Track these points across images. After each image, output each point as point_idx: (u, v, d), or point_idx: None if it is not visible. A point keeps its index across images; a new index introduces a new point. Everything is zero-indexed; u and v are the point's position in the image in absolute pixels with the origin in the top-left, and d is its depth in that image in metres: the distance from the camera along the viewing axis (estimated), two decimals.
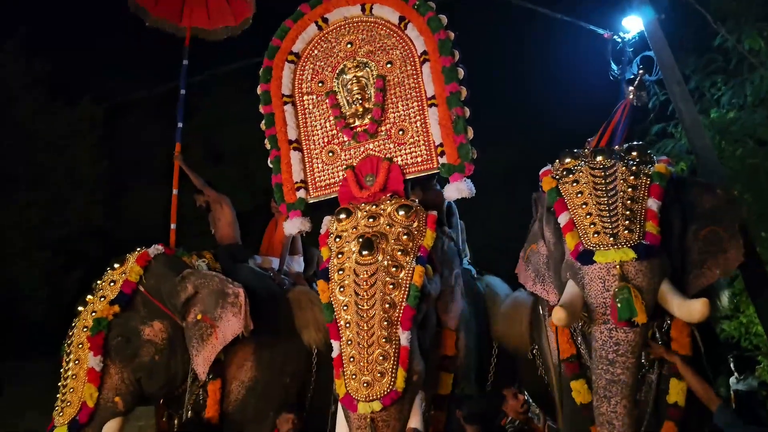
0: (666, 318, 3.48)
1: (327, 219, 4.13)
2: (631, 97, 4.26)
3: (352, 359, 3.48)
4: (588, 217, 3.35)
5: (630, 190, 3.35)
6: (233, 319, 4.18)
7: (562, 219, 3.46)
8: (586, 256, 3.26)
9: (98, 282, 4.53)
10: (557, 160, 3.77)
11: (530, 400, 4.55)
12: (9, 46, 11.42)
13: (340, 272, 3.72)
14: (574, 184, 3.50)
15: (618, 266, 3.15)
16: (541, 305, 4.08)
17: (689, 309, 3.10)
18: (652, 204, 3.31)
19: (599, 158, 3.55)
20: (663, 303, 3.21)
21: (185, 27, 5.90)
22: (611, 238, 3.23)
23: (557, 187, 3.57)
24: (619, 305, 3.09)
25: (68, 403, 4.11)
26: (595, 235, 3.27)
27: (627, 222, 3.25)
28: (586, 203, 3.39)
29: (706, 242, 3.45)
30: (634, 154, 3.56)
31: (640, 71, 4.84)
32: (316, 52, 4.65)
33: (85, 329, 4.25)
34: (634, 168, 3.44)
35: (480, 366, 4.50)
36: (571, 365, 3.73)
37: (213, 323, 4.18)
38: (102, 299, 4.34)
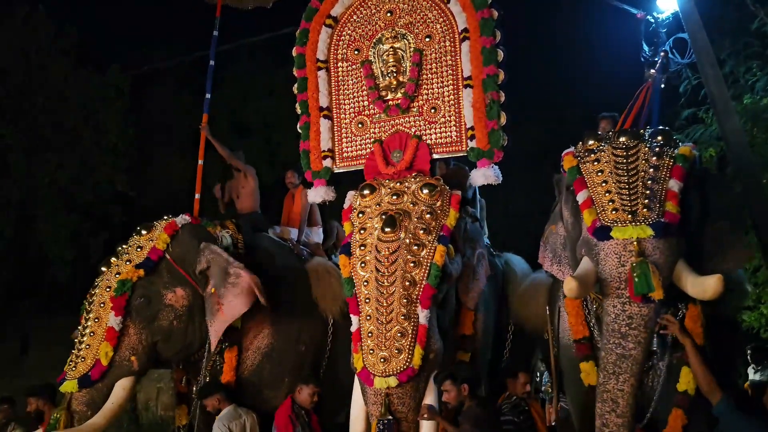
0: (681, 307, 3.47)
1: (350, 194, 4.13)
2: (650, 80, 4.17)
3: (370, 334, 3.52)
4: (607, 194, 3.33)
5: (651, 170, 3.33)
6: (234, 300, 4.22)
7: (581, 196, 3.44)
8: (602, 232, 3.26)
9: (123, 246, 4.61)
10: (580, 142, 3.73)
11: (546, 380, 4.55)
12: (39, 14, 11.54)
13: (362, 248, 3.74)
14: (595, 163, 3.47)
15: (635, 242, 3.15)
16: (558, 286, 4.08)
17: (703, 285, 3.09)
18: (674, 185, 3.29)
19: (622, 138, 3.52)
20: (677, 281, 3.20)
21: None
22: (629, 215, 3.22)
23: (578, 165, 3.55)
24: (636, 279, 3.10)
25: (82, 359, 4.22)
26: (614, 212, 3.27)
27: (646, 201, 3.23)
28: (606, 181, 3.38)
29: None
30: (660, 138, 3.52)
31: (662, 53, 4.72)
32: (354, 17, 4.56)
33: (108, 289, 4.34)
34: (657, 149, 3.41)
35: (496, 344, 4.52)
36: (582, 346, 3.73)
37: (219, 300, 4.26)
38: (128, 263, 4.43)
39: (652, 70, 4.29)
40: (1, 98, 11.23)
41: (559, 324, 3.97)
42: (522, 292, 4.54)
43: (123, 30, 12.93)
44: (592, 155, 3.53)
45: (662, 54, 4.72)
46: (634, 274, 3.11)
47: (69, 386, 4.17)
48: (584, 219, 3.39)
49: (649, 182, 3.29)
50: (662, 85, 5.52)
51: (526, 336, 4.58)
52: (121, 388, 4.25)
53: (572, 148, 3.75)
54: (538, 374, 6.93)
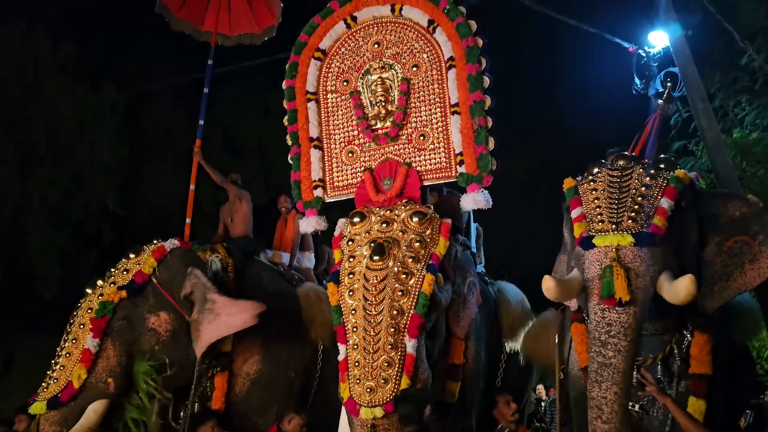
0: (686, 334, 3.45)
1: (341, 221, 4.14)
2: (658, 111, 4.20)
3: (357, 364, 3.49)
4: (597, 209, 3.35)
5: (643, 188, 3.34)
6: (208, 326, 4.19)
7: (575, 213, 3.47)
8: (587, 241, 3.27)
9: (112, 269, 4.58)
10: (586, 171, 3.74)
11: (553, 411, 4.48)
12: (38, 29, 11.60)
13: (351, 276, 3.74)
14: (591, 183, 3.51)
15: (614, 250, 3.15)
16: (567, 317, 4.07)
17: (676, 288, 3.04)
18: (664, 202, 3.28)
19: (620, 162, 3.55)
20: (659, 291, 3.16)
21: (208, 31, 5.96)
22: (613, 225, 3.24)
23: (575, 187, 3.58)
24: (602, 282, 3.10)
25: (55, 380, 4.16)
26: (600, 223, 3.28)
27: (633, 213, 3.24)
28: (598, 198, 3.40)
29: (732, 253, 3.39)
30: (661, 165, 3.52)
31: (668, 84, 4.77)
32: (342, 50, 4.65)
33: (89, 311, 4.30)
34: (652, 171, 3.42)
35: (489, 372, 4.49)
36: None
37: (198, 326, 4.22)
38: (112, 285, 4.40)
39: (660, 101, 4.31)
40: None
41: (569, 355, 3.94)
42: (532, 330, 4.53)
43: (120, 48, 12.98)
44: (590, 177, 3.57)
45: (668, 86, 4.76)
46: (601, 278, 3.11)
47: (37, 408, 4.11)
48: (574, 232, 3.41)
49: (639, 198, 3.30)
50: (674, 115, 5.55)
51: (520, 365, 4.56)
52: (92, 410, 4.16)
53: (579, 177, 3.74)
54: (543, 404, 6.90)
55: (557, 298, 3.45)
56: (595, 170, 3.60)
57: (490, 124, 4.14)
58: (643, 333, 3.30)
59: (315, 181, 4.51)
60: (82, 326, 4.27)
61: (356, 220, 4.01)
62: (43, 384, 4.20)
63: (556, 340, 4.00)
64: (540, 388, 7.26)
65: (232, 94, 13.99)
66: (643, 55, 6.84)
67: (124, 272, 4.48)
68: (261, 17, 6.05)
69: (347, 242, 3.94)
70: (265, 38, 6.17)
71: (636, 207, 3.26)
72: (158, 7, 5.78)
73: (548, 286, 3.22)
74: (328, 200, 4.53)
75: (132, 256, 4.57)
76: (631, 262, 3.12)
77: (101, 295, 4.35)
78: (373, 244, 3.75)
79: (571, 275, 3.38)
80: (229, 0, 6.01)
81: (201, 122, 5.55)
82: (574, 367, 3.88)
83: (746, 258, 3.35)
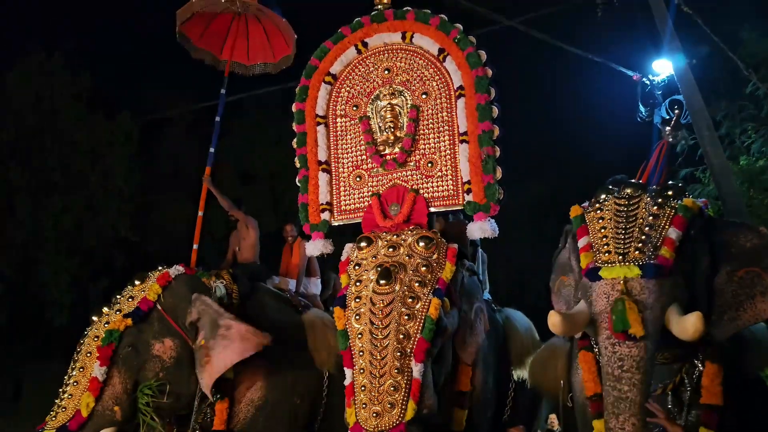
0: (697, 364, 3.39)
1: (348, 246, 4.17)
2: (670, 139, 4.20)
3: (363, 388, 3.48)
4: (604, 239, 3.33)
5: (651, 218, 3.30)
6: (223, 351, 4.19)
7: (582, 242, 3.44)
8: (593, 273, 3.24)
9: (118, 296, 4.60)
10: (593, 197, 3.70)
11: None
12: (56, 59, 11.91)
13: (357, 300, 3.75)
14: (598, 212, 3.49)
15: (622, 282, 3.12)
16: (575, 344, 4.05)
17: (684, 324, 3.00)
18: (672, 233, 3.23)
19: (628, 190, 3.51)
20: (668, 325, 3.11)
21: (225, 59, 6.09)
22: (620, 256, 3.21)
23: (582, 215, 3.56)
24: (614, 316, 3.06)
25: (63, 409, 4.16)
26: (606, 254, 3.25)
27: (640, 244, 3.21)
28: (605, 227, 3.38)
29: (743, 284, 3.33)
30: (669, 192, 3.47)
31: (676, 111, 4.79)
32: (353, 75, 4.70)
33: (96, 339, 4.32)
34: (660, 200, 3.39)
35: (498, 401, 4.45)
36: (595, 404, 3.64)
37: (208, 352, 4.24)
38: (117, 313, 4.42)
39: (668, 128, 4.32)
40: (13, 140, 11.45)
41: (576, 382, 3.89)
42: (539, 357, 4.49)
43: (135, 77, 13.27)
44: (597, 205, 3.55)
45: (676, 113, 4.77)
46: (613, 311, 3.08)
47: None
48: (581, 262, 3.40)
49: (647, 228, 3.26)
50: (683, 142, 5.55)
51: (528, 393, 4.52)
52: None
53: (586, 203, 3.72)
54: None
55: (564, 333, 3.43)
56: (603, 197, 3.58)
57: (498, 153, 4.16)
58: None
59: (322, 204, 4.55)
60: (89, 354, 4.29)
61: (363, 244, 4.03)
62: (52, 413, 4.21)
63: (565, 374, 3.95)
64: (552, 417, 7.15)
65: (244, 122, 14.21)
66: (648, 83, 6.93)
67: (129, 299, 4.50)
68: (278, 47, 6.15)
69: (354, 267, 3.95)
70: (282, 68, 6.26)
71: (643, 237, 3.23)
72: (179, 36, 5.91)
73: (554, 321, 3.17)
74: (334, 224, 4.55)
75: (137, 283, 4.59)
76: (639, 294, 3.09)
77: (107, 323, 4.37)
78: (379, 269, 3.76)
79: (577, 308, 3.35)
80: (247, 30, 6.12)
81: (212, 150, 5.63)
82: (581, 395, 3.85)
83: (757, 290, 3.30)
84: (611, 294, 3.14)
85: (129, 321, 4.35)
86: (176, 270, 4.68)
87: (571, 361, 4.00)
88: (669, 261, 3.15)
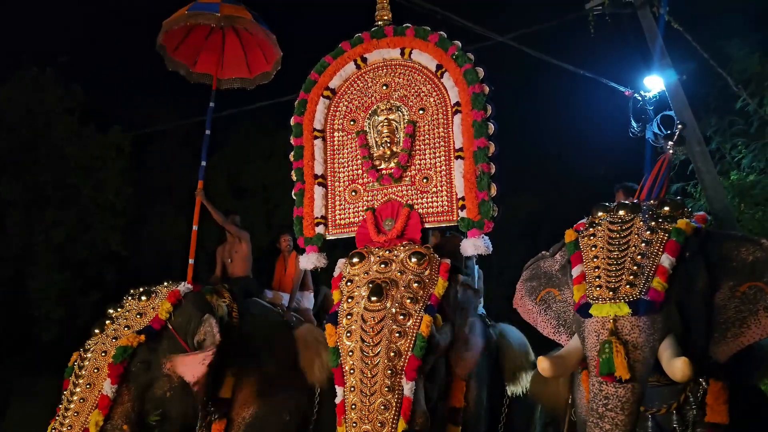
0: (701, 382, 3.33)
1: (341, 262, 4.15)
2: (671, 152, 4.18)
3: (353, 407, 3.44)
4: (596, 270, 3.27)
5: (643, 245, 3.24)
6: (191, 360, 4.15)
7: (575, 271, 3.41)
8: (584, 309, 3.20)
9: (118, 309, 4.49)
10: (591, 214, 3.65)
11: None
12: (48, 74, 11.90)
13: (349, 317, 3.72)
14: (591, 238, 3.43)
15: (612, 321, 3.07)
16: None
17: (672, 369, 2.94)
18: (665, 260, 3.17)
19: (621, 212, 3.46)
20: (659, 360, 3.06)
21: (200, 73, 6.07)
22: (611, 292, 3.14)
23: (577, 240, 3.52)
24: (600, 359, 3.01)
25: (69, 427, 3.98)
26: (597, 289, 3.20)
27: (631, 277, 3.15)
28: (597, 257, 3.32)
29: (745, 299, 3.24)
30: (666, 209, 3.44)
31: (679, 126, 4.78)
32: (351, 90, 4.73)
33: (104, 354, 4.16)
34: (652, 223, 3.32)
35: (491, 417, 4.42)
36: None
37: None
38: (126, 329, 4.30)
39: (671, 142, 4.31)
40: (5, 154, 11.40)
41: (578, 398, 3.85)
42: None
43: (127, 91, 13.27)
44: (591, 229, 3.49)
45: (679, 127, 4.75)
46: (599, 354, 3.03)
47: None
48: (574, 295, 3.37)
49: (639, 257, 3.20)
50: (683, 156, 5.55)
51: (522, 409, 4.48)
52: None
53: (584, 220, 3.69)
54: None
55: (556, 376, 3.40)
56: (599, 214, 3.54)
57: (493, 170, 4.16)
58: (656, 383, 3.24)
59: (317, 218, 4.54)
60: (96, 370, 4.12)
61: (355, 260, 4.01)
62: (54, 431, 4.03)
63: (566, 388, 3.92)
64: None
65: (237, 136, 14.22)
66: (639, 99, 7.00)
67: (138, 315, 4.37)
68: (255, 63, 6.10)
69: (346, 283, 3.93)
70: (258, 83, 6.22)
71: (635, 268, 3.17)
72: (158, 45, 5.87)
73: (543, 366, 3.14)
74: (329, 238, 4.54)
75: (144, 298, 4.48)
76: (629, 333, 3.04)
77: (115, 338, 4.24)
78: (371, 285, 3.74)
79: (568, 348, 3.33)
80: (224, 44, 6.06)
81: (203, 163, 5.62)
82: (583, 411, 3.81)
83: (761, 305, 3.20)
84: (601, 333, 3.09)
85: (142, 338, 4.23)
86: (186, 288, 4.57)
87: (573, 376, 3.94)
88: (661, 294, 3.09)
